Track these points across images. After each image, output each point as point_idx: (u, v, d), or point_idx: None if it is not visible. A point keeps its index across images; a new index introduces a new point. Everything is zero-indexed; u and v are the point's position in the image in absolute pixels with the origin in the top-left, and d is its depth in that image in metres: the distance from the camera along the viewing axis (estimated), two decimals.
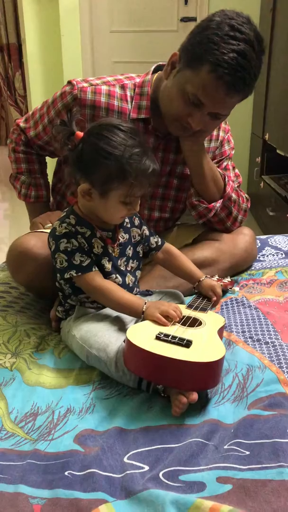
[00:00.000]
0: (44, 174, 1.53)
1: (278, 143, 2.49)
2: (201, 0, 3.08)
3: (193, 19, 3.13)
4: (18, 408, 0.93)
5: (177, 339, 0.90)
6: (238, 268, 1.43)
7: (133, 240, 1.15)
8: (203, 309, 1.06)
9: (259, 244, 1.59)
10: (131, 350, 0.90)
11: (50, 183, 1.55)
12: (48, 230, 1.20)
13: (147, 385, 0.93)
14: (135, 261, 1.16)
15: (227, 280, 1.30)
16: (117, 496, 0.71)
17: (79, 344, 1.02)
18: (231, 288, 1.32)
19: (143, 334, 0.92)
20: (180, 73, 1.14)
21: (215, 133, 1.39)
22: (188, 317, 1.00)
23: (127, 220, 1.14)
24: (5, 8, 4.10)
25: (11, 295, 1.34)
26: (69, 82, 1.29)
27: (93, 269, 1.03)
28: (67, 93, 1.28)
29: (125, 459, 0.79)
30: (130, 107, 1.27)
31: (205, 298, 1.13)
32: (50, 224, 1.34)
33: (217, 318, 1.05)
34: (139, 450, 0.81)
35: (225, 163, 1.43)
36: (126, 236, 1.13)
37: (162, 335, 0.91)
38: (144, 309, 0.99)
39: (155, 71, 1.31)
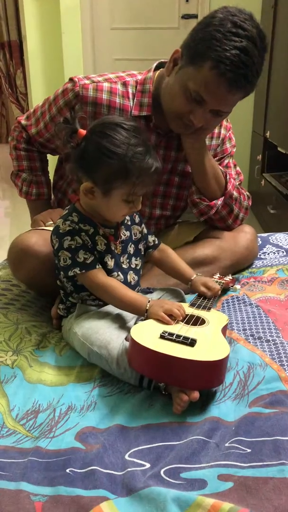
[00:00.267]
0: (45, 171, 1.52)
1: (279, 141, 2.49)
2: None
3: (194, 16, 3.12)
4: (19, 406, 0.93)
5: (181, 338, 0.90)
6: (239, 266, 1.43)
7: (134, 237, 1.15)
8: (206, 307, 1.06)
9: (260, 242, 1.59)
10: (135, 349, 0.90)
11: (51, 180, 1.55)
12: (49, 228, 1.20)
13: (149, 382, 0.93)
14: (138, 258, 1.15)
15: (228, 278, 1.30)
16: (119, 494, 0.71)
17: (81, 341, 1.02)
18: (232, 286, 1.32)
19: (147, 333, 0.92)
20: (182, 70, 1.14)
21: (216, 130, 1.38)
22: (192, 316, 1.00)
23: (127, 217, 1.14)
24: (6, 5, 4.08)
25: (12, 292, 1.34)
26: (71, 79, 1.29)
27: (97, 267, 1.03)
28: (69, 90, 1.27)
29: (126, 457, 0.79)
30: (131, 104, 1.27)
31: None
32: (51, 222, 1.34)
33: (220, 317, 1.05)
34: (140, 447, 0.81)
35: (226, 161, 1.43)
36: (127, 233, 1.13)
37: (167, 334, 0.91)
38: (147, 307, 0.99)
39: (156, 68, 1.31)
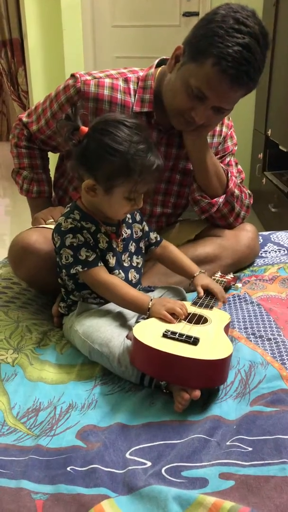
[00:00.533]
0: (46, 169, 1.52)
1: (281, 139, 2.48)
2: None
3: (196, 13, 3.11)
4: (20, 404, 0.93)
5: (184, 336, 0.89)
6: (241, 264, 1.42)
7: (135, 235, 1.15)
8: (208, 306, 1.06)
9: (261, 241, 1.59)
10: (138, 347, 0.90)
11: (52, 178, 1.54)
12: (50, 226, 1.20)
13: (150, 381, 0.93)
14: (139, 256, 1.15)
15: (230, 276, 1.30)
16: (119, 492, 0.71)
17: (82, 339, 1.01)
18: (234, 285, 1.32)
19: (150, 332, 0.91)
20: (184, 66, 1.13)
21: (218, 128, 1.38)
22: (194, 314, 1.00)
23: (128, 215, 1.14)
24: (7, 3, 4.07)
25: (13, 290, 1.34)
26: (72, 75, 1.28)
27: (99, 264, 1.03)
28: (70, 86, 1.27)
29: (127, 455, 0.78)
30: (133, 101, 1.27)
31: (210, 295, 1.12)
32: (52, 220, 1.33)
33: (222, 315, 1.04)
34: (141, 446, 0.81)
35: (227, 159, 1.42)
36: (129, 231, 1.13)
37: (169, 332, 0.90)
38: (150, 306, 0.98)
39: (158, 65, 1.30)
